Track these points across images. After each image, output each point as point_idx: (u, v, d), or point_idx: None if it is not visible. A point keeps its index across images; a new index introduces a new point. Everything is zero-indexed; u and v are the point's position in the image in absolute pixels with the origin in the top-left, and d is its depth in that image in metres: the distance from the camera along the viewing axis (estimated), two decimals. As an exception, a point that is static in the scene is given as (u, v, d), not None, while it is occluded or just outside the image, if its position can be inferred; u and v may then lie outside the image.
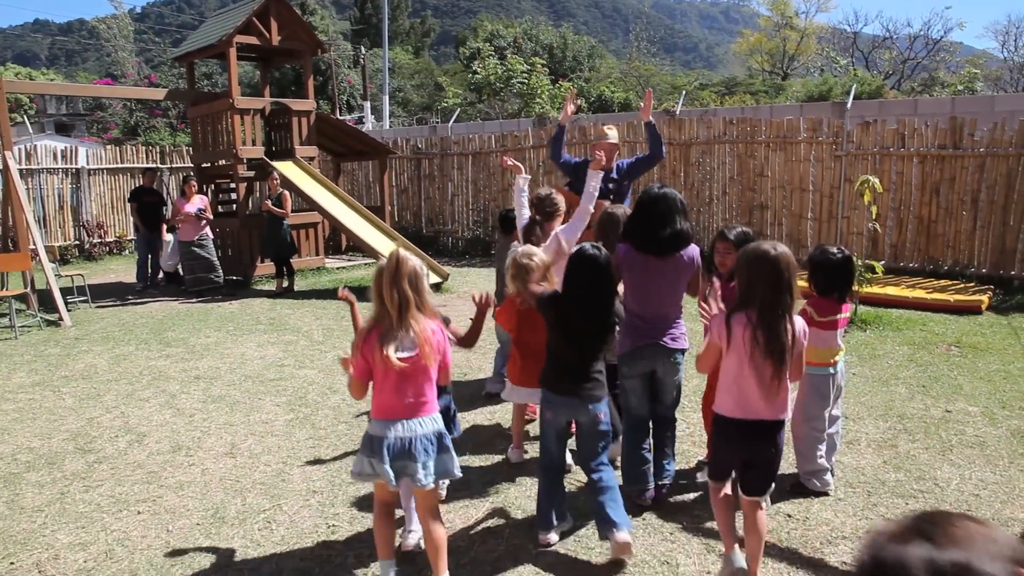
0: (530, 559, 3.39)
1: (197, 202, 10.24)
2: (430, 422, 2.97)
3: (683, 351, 3.78)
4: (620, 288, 3.65)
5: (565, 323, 3.33)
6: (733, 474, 3.10)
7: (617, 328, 3.58)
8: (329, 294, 9.71)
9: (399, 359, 2.81)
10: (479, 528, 3.71)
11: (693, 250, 3.71)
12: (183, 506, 4.04)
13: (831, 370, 3.93)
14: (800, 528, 3.62)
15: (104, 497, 4.19)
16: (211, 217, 10.52)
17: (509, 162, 5.10)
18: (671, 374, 3.77)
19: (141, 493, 4.22)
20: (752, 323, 2.81)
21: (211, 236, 10.56)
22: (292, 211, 10.69)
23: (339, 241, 14.09)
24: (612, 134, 5.88)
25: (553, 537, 3.46)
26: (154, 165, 15.20)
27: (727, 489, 3.12)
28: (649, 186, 3.80)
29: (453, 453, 3.05)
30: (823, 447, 3.94)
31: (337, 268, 12.23)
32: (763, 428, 2.93)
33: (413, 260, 2.93)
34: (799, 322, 2.93)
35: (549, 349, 3.44)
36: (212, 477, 4.41)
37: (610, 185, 5.63)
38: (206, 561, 3.49)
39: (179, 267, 10.88)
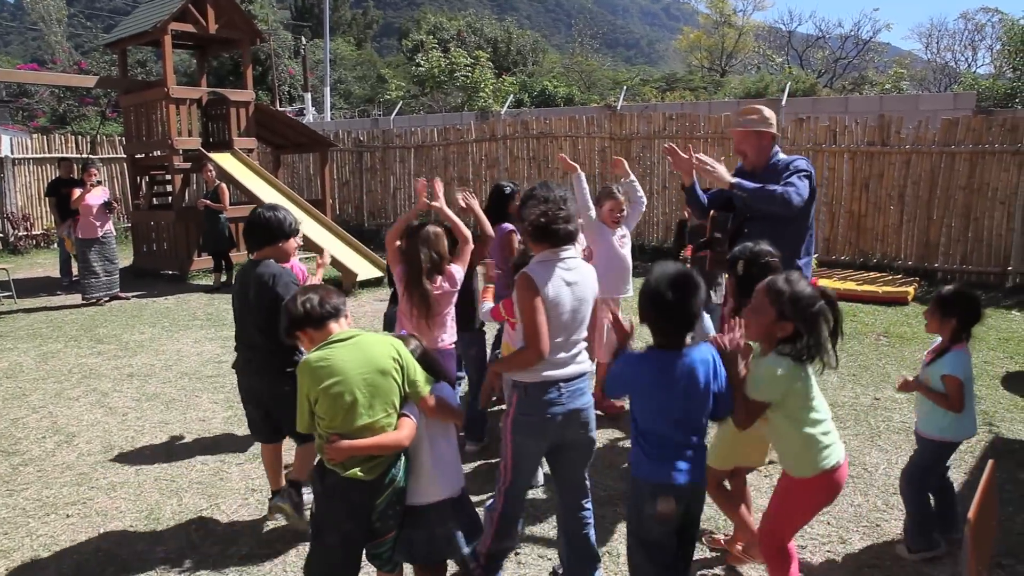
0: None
1: (100, 194, 9.26)
2: None
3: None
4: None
5: None
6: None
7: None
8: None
9: None
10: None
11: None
12: (116, 508, 3.93)
13: None
14: (736, 515, 3.72)
15: (30, 501, 4.03)
16: (117, 207, 9.73)
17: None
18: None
19: (70, 496, 4.08)
20: (404, 280, 3.64)
21: (114, 233, 9.52)
22: (231, 204, 10.42)
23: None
24: (753, 119, 4.09)
25: None
26: (84, 156, 14.63)
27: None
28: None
29: None
30: None
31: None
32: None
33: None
34: (450, 277, 3.64)
35: None
36: (146, 477, 4.29)
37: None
38: (139, 564, 3.39)
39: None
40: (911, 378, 3.34)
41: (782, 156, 4.12)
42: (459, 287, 3.72)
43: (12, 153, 14.04)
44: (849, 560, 3.31)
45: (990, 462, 2.39)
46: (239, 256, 10.78)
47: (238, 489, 4.11)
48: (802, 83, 22.18)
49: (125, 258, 11.30)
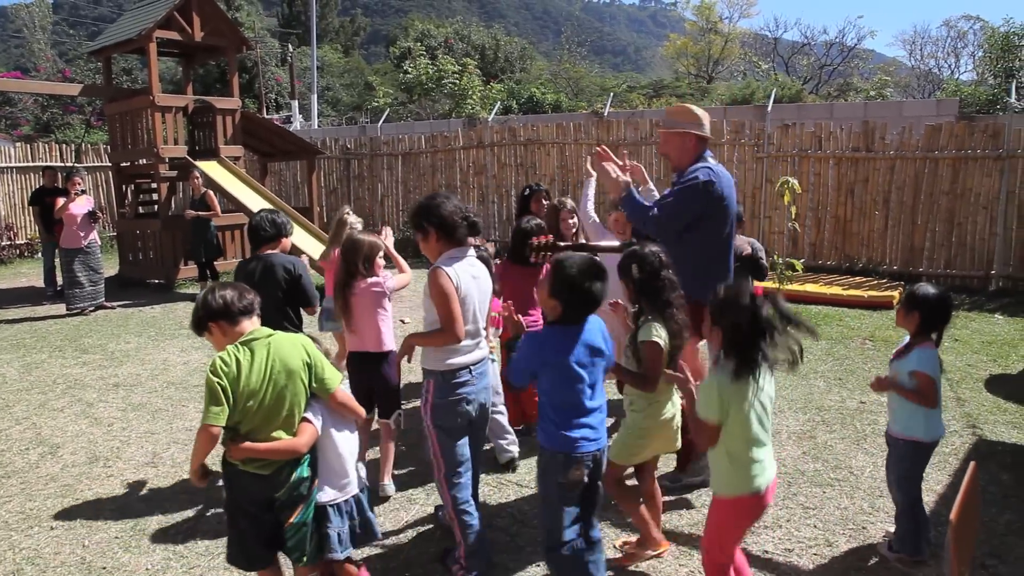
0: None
1: (85, 203, 9.21)
2: None
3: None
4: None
5: None
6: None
7: None
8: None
9: None
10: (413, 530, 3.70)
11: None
12: (101, 519, 3.89)
13: None
14: (724, 519, 3.73)
15: (12, 513, 3.99)
16: (102, 217, 9.72)
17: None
18: None
19: (54, 508, 4.04)
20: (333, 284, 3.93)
21: (98, 243, 9.44)
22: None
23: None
24: (674, 119, 3.94)
25: None
26: (68, 164, 14.54)
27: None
28: None
29: None
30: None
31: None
32: (370, 358, 3.92)
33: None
34: (385, 282, 3.92)
35: None
36: (132, 488, 4.26)
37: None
38: None
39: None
40: (883, 375, 3.32)
41: (705, 163, 3.87)
42: (384, 290, 3.91)
43: (-4, 162, 13.93)
44: (836, 563, 3.32)
45: (972, 464, 2.41)
46: (225, 265, 10.73)
47: (224, 499, 4.07)
48: (788, 89, 22.31)
49: (111, 267, 11.23)
